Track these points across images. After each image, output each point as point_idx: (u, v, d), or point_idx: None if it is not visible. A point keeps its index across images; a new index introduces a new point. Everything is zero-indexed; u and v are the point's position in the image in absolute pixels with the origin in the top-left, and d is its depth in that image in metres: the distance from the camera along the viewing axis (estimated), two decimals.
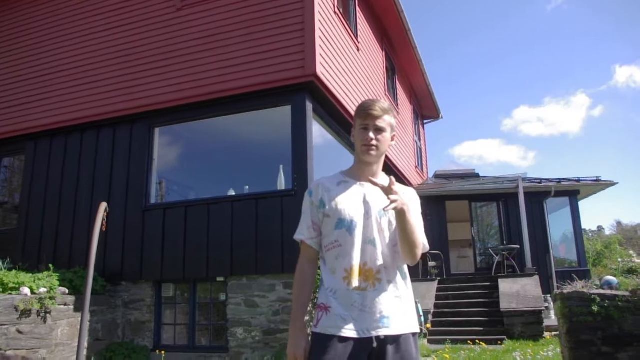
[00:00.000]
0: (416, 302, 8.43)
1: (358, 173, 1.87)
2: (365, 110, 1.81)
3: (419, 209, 1.90)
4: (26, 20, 8.13)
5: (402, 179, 11.15)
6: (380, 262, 1.74)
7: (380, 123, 1.81)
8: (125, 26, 7.24)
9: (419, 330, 1.81)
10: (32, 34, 8.01)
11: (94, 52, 7.37)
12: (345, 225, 1.74)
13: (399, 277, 1.78)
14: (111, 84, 7.09)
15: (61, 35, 7.72)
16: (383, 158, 1.89)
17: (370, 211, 1.78)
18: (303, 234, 1.83)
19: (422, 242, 1.77)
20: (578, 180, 12.10)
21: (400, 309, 1.73)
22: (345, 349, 1.66)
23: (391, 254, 1.77)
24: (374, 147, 1.81)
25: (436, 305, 9.26)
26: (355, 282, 1.71)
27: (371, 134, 1.80)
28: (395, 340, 1.69)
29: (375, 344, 1.66)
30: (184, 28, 6.83)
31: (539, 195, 11.93)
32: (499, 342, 7.59)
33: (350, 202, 1.79)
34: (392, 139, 1.89)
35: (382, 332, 1.67)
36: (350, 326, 1.68)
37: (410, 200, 1.80)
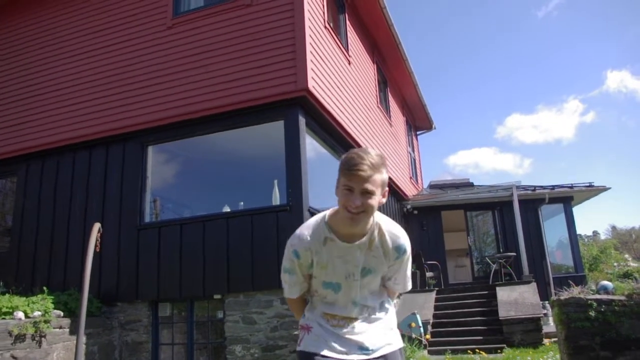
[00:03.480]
0: (415, 313, 8.40)
1: (344, 230, 1.64)
2: (351, 169, 1.51)
3: (409, 260, 1.81)
4: (17, 42, 8.14)
5: (397, 191, 11.17)
6: (360, 313, 1.78)
7: (369, 186, 1.52)
8: (116, 45, 7.26)
9: (402, 345, 1.85)
10: (22, 55, 8.00)
11: (85, 72, 7.37)
12: (331, 287, 1.76)
13: (378, 308, 1.83)
14: (103, 103, 7.08)
15: (52, 55, 7.72)
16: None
17: (356, 274, 1.70)
18: (293, 294, 1.84)
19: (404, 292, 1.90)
20: (571, 187, 12.21)
21: (379, 333, 1.77)
22: None
23: (372, 300, 1.80)
24: (360, 214, 1.55)
25: (435, 316, 9.20)
26: (333, 322, 1.77)
27: (357, 201, 1.52)
28: None
29: None
30: (175, 46, 6.85)
31: (533, 202, 12.03)
32: (499, 351, 7.55)
33: (338, 266, 1.70)
34: (384, 196, 1.61)
35: (363, 358, 1.71)
36: (330, 347, 1.73)
37: (402, 260, 1.75)
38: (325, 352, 1.71)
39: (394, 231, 1.70)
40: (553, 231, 12.58)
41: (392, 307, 1.89)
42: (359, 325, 1.76)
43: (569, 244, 12.30)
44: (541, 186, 12.52)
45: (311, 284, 1.82)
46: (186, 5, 7.13)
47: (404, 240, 1.72)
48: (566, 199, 12.29)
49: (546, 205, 12.08)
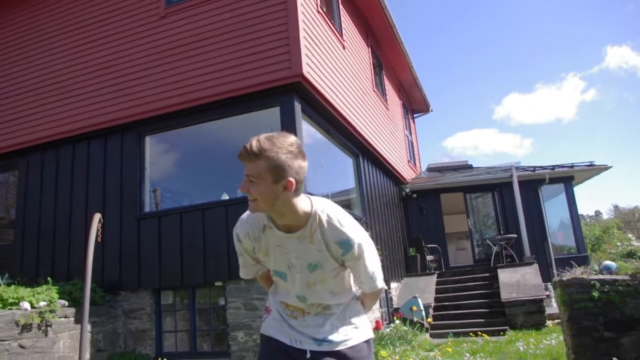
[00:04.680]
0: (416, 297, 8.46)
1: (276, 220, 1.60)
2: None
3: (369, 256, 1.65)
4: (12, 36, 8.14)
5: (395, 174, 11.18)
6: (310, 308, 1.72)
7: (247, 171, 1.47)
8: (109, 37, 7.25)
9: (368, 337, 1.76)
10: (16, 50, 8.01)
11: (80, 65, 7.38)
12: (279, 275, 1.72)
13: (338, 306, 1.73)
14: (99, 95, 7.10)
15: (48, 49, 7.73)
16: (296, 200, 1.53)
17: (297, 266, 1.63)
18: (245, 274, 1.84)
19: (378, 292, 1.75)
20: (572, 166, 12.16)
21: (335, 327, 1.70)
22: (277, 350, 1.71)
23: (333, 299, 1.71)
24: (252, 202, 1.50)
25: (436, 299, 9.24)
26: (287, 311, 1.75)
27: (242, 185, 1.50)
28: (338, 355, 1.66)
29: (309, 355, 1.67)
30: (168, 35, 6.84)
31: (533, 183, 11.97)
32: (502, 333, 7.59)
33: (278, 255, 1.64)
34: (287, 188, 1.47)
35: (315, 349, 1.67)
36: (285, 333, 1.72)
37: (354, 257, 1.61)
38: (279, 337, 1.71)
39: (336, 224, 1.56)
40: (554, 212, 12.54)
41: (356, 304, 1.78)
42: (312, 318, 1.70)
43: (570, 225, 12.25)
44: (541, 166, 12.47)
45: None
46: None
47: (351, 234, 1.57)
48: (567, 178, 12.23)
49: (547, 185, 12.01)
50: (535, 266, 9.40)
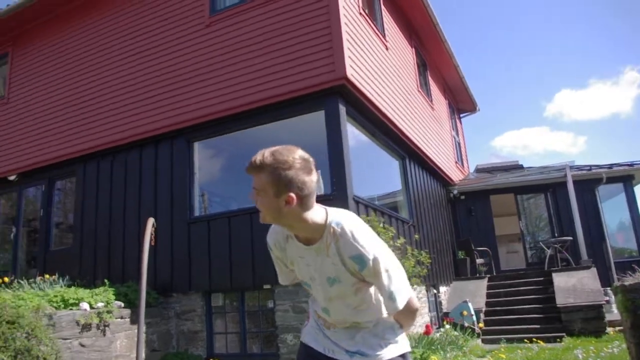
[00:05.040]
0: (466, 301, 8.25)
1: (293, 231, 1.62)
2: None
3: (388, 273, 1.55)
4: (69, 48, 8.57)
5: (442, 176, 10.97)
6: (337, 322, 1.71)
7: (254, 182, 1.51)
8: (159, 46, 7.51)
9: (404, 351, 1.69)
10: (75, 60, 8.42)
11: (132, 74, 7.67)
12: (305, 284, 1.74)
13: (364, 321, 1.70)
14: (151, 103, 7.36)
15: (102, 60, 8.08)
16: (306, 214, 1.52)
17: (317, 278, 1.63)
18: (282, 281, 1.86)
19: (408, 312, 1.65)
20: (631, 165, 11.53)
21: (367, 340, 1.67)
22: (312, 358, 1.73)
23: (359, 316, 1.67)
24: (260, 213, 1.53)
25: (488, 304, 8.99)
26: (320, 321, 1.76)
27: (251, 194, 1.53)
28: None
29: None
30: (214, 43, 7.01)
31: (589, 183, 11.43)
32: (558, 340, 7.27)
33: (301, 266, 1.66)
34: (288, 202, 1.46)
35: None
36: (320, 342, 1.73)
37: (371, 273, 1.54)
38: (314, 345, 1.73)
39: (349, 238, 1.51)
40: (613, 213, 11.93)
41: (389, 318, 1.71)
42: (343, 330, 1.70)
43: (631, 226, 11.60)
44: (597, 165, 11.90)
45: None
46: (222, 3, 7.25)
47: (366, 249, 1.50)
48: (626, 177, 11.61)
49: (604, 185, 11.44)
50: (593, 270, 8.96)
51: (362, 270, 1.52)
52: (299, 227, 1.54)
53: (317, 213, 1.54)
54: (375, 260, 1.50)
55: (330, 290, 1.60)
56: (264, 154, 1.48)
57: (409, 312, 1.65)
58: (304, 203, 1.49)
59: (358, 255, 1.51)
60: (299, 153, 1.51)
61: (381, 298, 1.63)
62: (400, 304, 1.58)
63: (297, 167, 1.48)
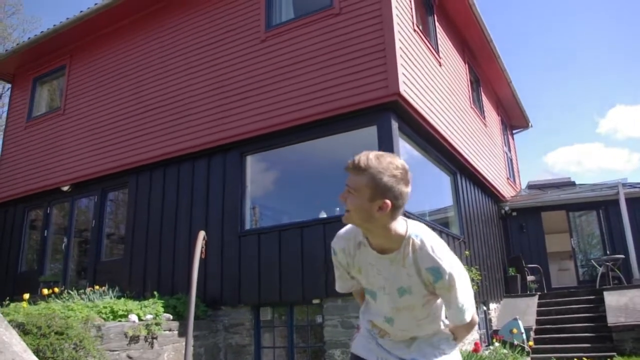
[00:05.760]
0: (517, 319, 7.99)
1: (372, 239, 1.62)
2: None
3: (460, 287, 1.59)
4: (125, 61, 8.83)
5: (494, 192, 10.69)
6: (396, 335, 1.73)
7: (349, 181, 1.52)
8: (214, 61, 7.65)
9: None
10: (131, 73, 8.65)
11: (187, 88, 7.84)
12: (370, 294, 1.74)
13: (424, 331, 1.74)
14: (204, 117, 7.48)
15: (158, 73, 8.27)
16: (392, 223, 1.54)
17: (387, 288, 1.64)
18: (341, 288, 1.87)
19: (469, 325, 1.69)
20: None
21: (422, 349, 1.70)
22: None
23: (420, 331, 1.71)
24: (346, 214, 1.55)
25: (538, 322, 8.79)
26: (375, 330, 1.78)
27: (343, 192, 1.54)
28: None
29: None
30: (269, 58, 7.09)
31: None
32: (609, 359, 7.01)
33: (371, 274, 1.66)
34: (382, 208, 1.47)
35: None
36: (371, 350, 1.74)
37: (444, 286, 1.57)
38: (366, 356, 1.74)
39: (429, 250, 1.53)
40: None
41: (446, 329, 1.76)
42: (399, 341, 1.73)
43: None
44: None
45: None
46: (278, 18, 7.35)
47: (443, 262, 1.54)
48: None
49: None
50: None
51: (436, 282, 1.55)
52: (380, 235, 1.55)
53: (399, 224, 1.56)
54: (450, 274, 1.54)
55: (399, 301, 1.62)
56: (368, 156, 1.49)
57: (470, 325, 1.70)
58: (394, 213, 1.51)
59: (435, 267, 1.53)
60: (401, 162, 1.52)
61: (443, 311, 1.71)
62: (468, 317, 1.64)
63: (399, 176, 1.49)
